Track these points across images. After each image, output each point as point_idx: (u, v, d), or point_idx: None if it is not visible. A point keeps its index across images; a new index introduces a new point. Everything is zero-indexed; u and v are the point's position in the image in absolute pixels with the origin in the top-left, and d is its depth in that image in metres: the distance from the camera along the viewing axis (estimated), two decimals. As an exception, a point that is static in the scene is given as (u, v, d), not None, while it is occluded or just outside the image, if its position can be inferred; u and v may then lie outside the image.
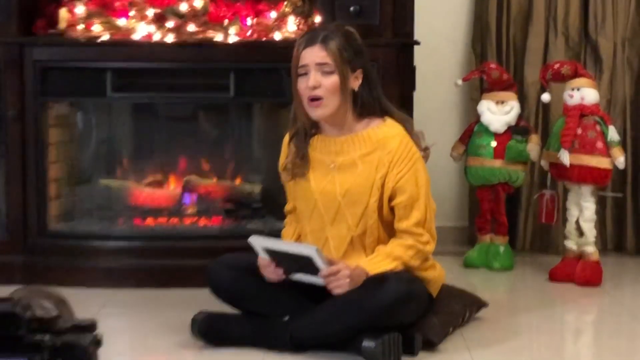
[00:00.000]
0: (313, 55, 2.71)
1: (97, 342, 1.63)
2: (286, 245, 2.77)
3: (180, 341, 2.87)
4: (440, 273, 2.92)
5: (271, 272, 2.74)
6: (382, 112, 2.81)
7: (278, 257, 2.72)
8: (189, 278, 3.48)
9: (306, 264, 2.67)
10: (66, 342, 1.61)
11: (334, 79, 2.71)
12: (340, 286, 2.66)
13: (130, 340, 3.01)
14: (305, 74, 2.73)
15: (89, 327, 1.64)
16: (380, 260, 2.71)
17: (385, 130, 2.78)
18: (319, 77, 2.71)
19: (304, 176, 2.83)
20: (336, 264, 2.68)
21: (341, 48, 2.71)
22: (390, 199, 2.76)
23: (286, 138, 2.91)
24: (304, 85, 2.73)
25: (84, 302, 3.34)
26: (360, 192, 2.75)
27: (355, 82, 2.77)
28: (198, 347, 2.82)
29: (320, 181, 2.81)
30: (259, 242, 2.72)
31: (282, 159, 2.92)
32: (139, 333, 3.03)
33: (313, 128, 2.84)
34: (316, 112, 2.75)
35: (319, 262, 2.65)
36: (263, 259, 2.74)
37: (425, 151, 2.83)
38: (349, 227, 2.79)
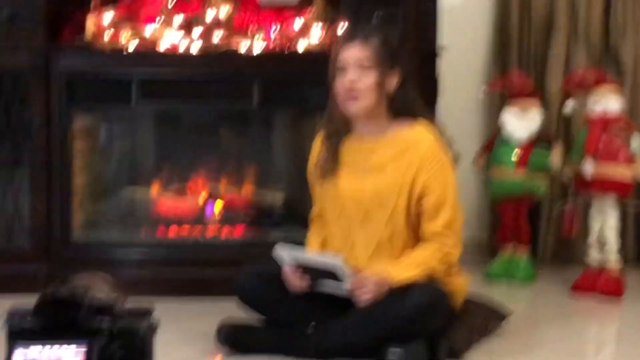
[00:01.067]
0: (352, 53, 2.73)
1: (153, 328, 1.70)
2: (311, 255, 2.78)
3: (204, 350, 2.88)
4: (465, 282, 2.92)
5: (296, 281, 2.74)
6: (415, 115, 2.82)
7: (303, 267, 2.73)
8: (211, 287, 3.50)
9: (331, 273, 2.68)
10: (124, 327, 1.65)
11: (372, 76, 2.73)
12: (365, 296, 2.67)
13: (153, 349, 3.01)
14: (344, 70, 2.74)
15: (145, 312, 1.69)
16: (406, 266, 2.71)
17: (417, 132, 2.79)
18: (357, 73, 2.72)
19: (334, 176, 2.84)
20: (361, 274, 2.68)
21: (380, 47, 2.73)
22: (419, 199, 2.76)
23: (318, 138, 2.92)
24: (341, 82, 2.75)
25: (107, 311, 3.35)
26: (390, 193, 2.75)
27: (392, 83, 2.78)
28: (222, 355, 2.82)
29: (349, 181, 2.82)
30: (284, 252, 2.74)
31: (313, 159, 2.93)
32: (162, 342, 3.00)
33: (347, 127, 2.84)
34: (352, 108, 2.76)
35: (343, 272, 2.65)
36: (289, 268, 2.75)
37: (454, 156, 2.84)
38: (377, 228, 2.79)
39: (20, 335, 1.66)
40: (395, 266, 2.73)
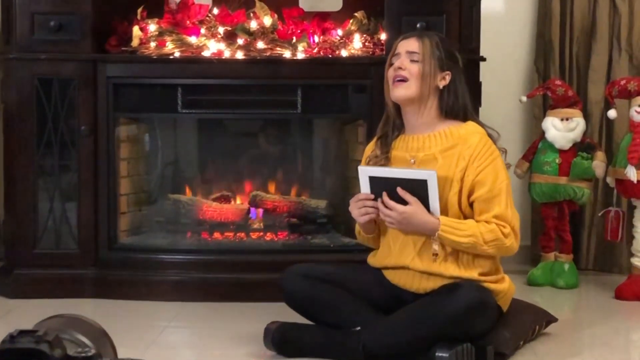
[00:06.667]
0: (406, 45, 2.85)
1: None
2: (400, 171, 2.76)
3: (250, 352, 2.89)
4: (510, 286, 2.90)
5: (361, 205, 2.75)
6: (465, 117, 2.86)
7: (380, 189, 2.72)
8: (255, 292, 3.53)
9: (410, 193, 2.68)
10: None
11: (419, 67, 2.80)
12: (387, 220, 2.72)
13: (200, 352, 3.03)
14: (396, 58, 2.84)
15: None
16: (456, 230, 2.68)
17: (467, 128, 2.83)
18: (406, 62, 2.82)
19: None
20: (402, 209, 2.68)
21: (434, 45, 2.82)
22: (470, 193, 2.76)
23: (370, 144, 2.97)
24: (392, 67, 2.84)
25: (153, 315, 3.39)
26: (440, 186, 2.74)
27: (442, 82, 2.83)
28: (269, 357, 2.84)
29: None
30: (366, 172, 2.75)
31: (365, 156, 2.96)
32: (208, 345, 3.05)
33: (400, 125, 2.88)
34: (398, 91, 2.82)
35: (431, 190, 2.66)
36: (363, 194, 2.76)
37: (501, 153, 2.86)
38: None
39: None
40: (450, 221, 2.70)
